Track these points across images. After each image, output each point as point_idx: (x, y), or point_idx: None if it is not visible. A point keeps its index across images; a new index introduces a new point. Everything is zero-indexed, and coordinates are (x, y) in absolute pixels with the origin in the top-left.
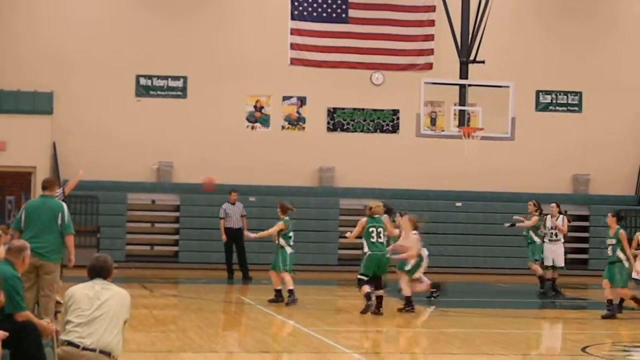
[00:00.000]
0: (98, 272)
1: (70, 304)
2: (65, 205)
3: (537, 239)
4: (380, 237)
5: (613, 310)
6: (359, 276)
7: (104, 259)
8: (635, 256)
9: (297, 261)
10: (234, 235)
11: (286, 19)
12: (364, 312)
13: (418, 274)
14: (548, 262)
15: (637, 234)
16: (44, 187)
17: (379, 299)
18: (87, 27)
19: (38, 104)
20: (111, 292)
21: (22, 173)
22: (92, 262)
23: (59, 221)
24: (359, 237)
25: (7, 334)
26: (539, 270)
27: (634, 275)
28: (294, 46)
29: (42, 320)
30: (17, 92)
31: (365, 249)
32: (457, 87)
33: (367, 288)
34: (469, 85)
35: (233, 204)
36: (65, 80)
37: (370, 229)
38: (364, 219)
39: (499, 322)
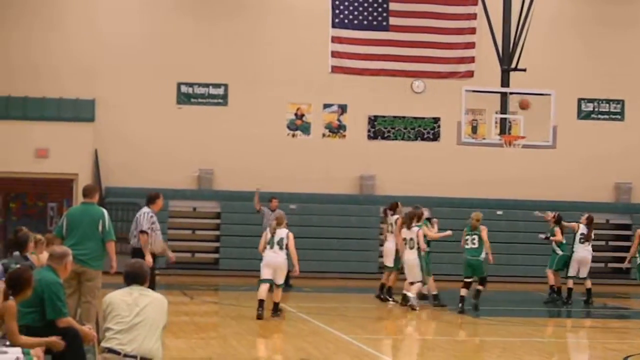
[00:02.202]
0: (134, 278)
1: (109, 311)
2: (106, 212)
3: (558, 250)
4: (474, 244)
5: None
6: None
7: (139, 265)
8: None
9: (338, 269)
10: None
11: (327, 27)
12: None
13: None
14: (573, 272)
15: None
16: (84, 194)
17: (477, 292)
18: (128, 35)
19: (80, 111)
20: (149, 298)
21: (64, 180)
22: (127, 269)
23: (100, 228)
24: None
25: (64, 343)
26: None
27: None
28: (334, 54)
29: (84, 327)
30: (59, 99)
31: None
32: (499, 95)
33: (463, 292)
34: (511, 93)
35: (273, 211)
36: (107, 87)
37: (467, 237)
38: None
39: (539, 331)
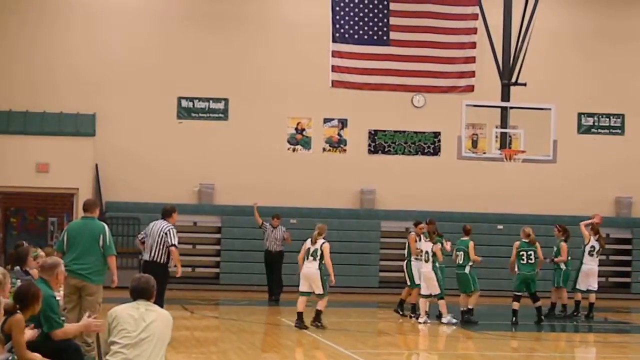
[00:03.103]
0: (141, 293)
1: (115, 325)
2: (106, 227)
3: (562, 266)
4: (530, 259)
5: None
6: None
7: (146, 280)
8: None
9: (339, 283)
10: (272, 259)
11: (327, 42)
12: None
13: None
14: (582, 287)
15: None
16: (85, 209)
17: (538, 309)
18: (128, 49)
19: (80, 126)
20: (156, 314)
21: (64, 195)
22: (134, 283)
23: (101, 242)
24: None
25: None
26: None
27: None
28: (335, 68)
29: (83, 318)
30: (59, 114)
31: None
32: (499, 109)
33: (515, 305)
34: (511, 107)
35: (275, 227)
36: (107, 102)
37: (521, 252)
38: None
39: (540, 345)
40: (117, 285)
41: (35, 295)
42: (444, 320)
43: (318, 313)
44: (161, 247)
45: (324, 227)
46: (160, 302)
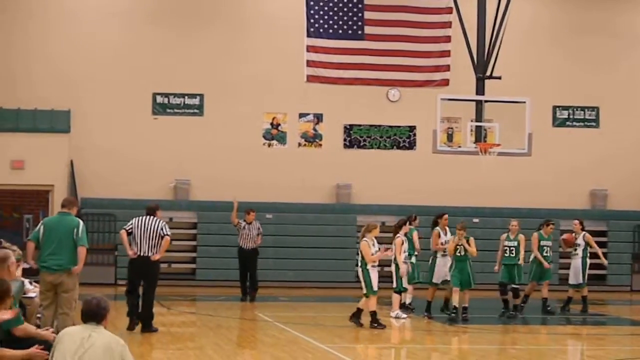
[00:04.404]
0: (91, 316)
1: (57, 342)
2: (81, 222)
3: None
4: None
5: None
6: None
7: (97, 303)
8: None
9: (315, 278)
10: (247, 256)
11: (302, 36)
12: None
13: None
14: (573, 280)
15: None
16: (63, 205)
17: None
18: (103, 45)
19: (55, 122)
20: (99, 341)
21: (40, 191)
22: (85, 306)
23: (74, 236)
24: None
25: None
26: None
27: None
28: (310, 63)
29: (42, 330)
30: (34, 111)
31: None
32: (474, 103)
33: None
34: (486, 101)
35: (249, 223)
36: (82, 98)
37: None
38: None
39: (515, 339)
40: (93, 282)
41: (6, 291)
42: (392, 314)
43: (372, 314)
44: (156, 242)
45: (366, 227)
46: (152, 296)
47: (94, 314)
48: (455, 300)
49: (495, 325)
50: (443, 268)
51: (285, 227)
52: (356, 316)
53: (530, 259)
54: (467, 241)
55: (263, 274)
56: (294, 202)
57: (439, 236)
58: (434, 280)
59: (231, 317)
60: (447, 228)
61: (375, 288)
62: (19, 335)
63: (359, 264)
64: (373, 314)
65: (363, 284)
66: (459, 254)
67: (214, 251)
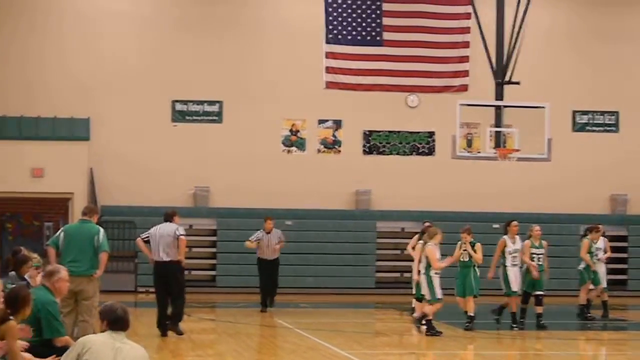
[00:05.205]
0: (120, 324)
1: (85, 351)
2: (102, 230)
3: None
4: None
5: None
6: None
7: (123, 309)
8: None
9: (334, 284)
10: (268, 267)
11: (321, 43)
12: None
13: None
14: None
15: None
16: (84, 213)
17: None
18: (122, 53)
19: (75, 130)
20: (130, 349)
21: (59, 199)
22: (111, 313)
23: (95, 243)
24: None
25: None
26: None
27: None
28: (329, 69)
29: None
30: (53, 119)
31: None
32: (493, 108)
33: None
34: (505, 106)
35: (269, 232)
36: (101, 106)
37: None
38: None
39: (536, 344)
40: (114, 290)
41: (26, 299)
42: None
43: (427, 320)
44: (171, 245)
45: (427, 233)
46: (180, 298)
47: (125, 322)
48: (470, 309)
49: (509, 331)
50: (517, 276)
51: (305, 233)
52: (420, 321)
53: (582, 266)
54: (473, 247)
55: (283, 280)
56: (314, 208)
57: (505, 245)
58: (514, 289)
59: (251, 324)
60: (516, 236)
61: (439, 296)
62: (60, 346)
63: (423, 271)
64: (429, 321)
65: (426, 291)
66: (462, 260)
67: (234, 258)
